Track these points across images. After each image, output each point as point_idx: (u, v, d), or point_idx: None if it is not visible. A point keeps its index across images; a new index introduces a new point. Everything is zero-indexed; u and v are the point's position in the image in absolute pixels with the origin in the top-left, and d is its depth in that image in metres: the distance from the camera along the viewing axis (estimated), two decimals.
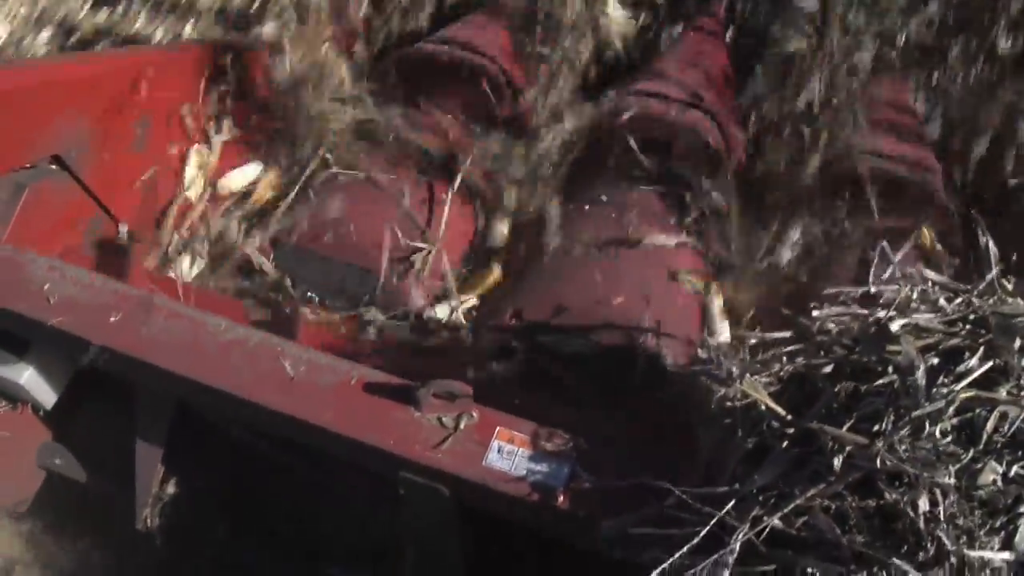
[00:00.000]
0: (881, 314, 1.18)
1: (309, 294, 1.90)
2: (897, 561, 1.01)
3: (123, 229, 2.03)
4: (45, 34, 2.92)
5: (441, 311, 1.89)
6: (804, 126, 2.37)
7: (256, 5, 2.67)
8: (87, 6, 3.00)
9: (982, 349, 1.14)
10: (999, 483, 1.04)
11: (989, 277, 1.23)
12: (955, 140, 2.57)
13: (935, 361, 1.13)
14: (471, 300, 1.99)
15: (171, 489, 1.80)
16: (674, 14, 2.91)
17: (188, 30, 2.80)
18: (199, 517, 1.84)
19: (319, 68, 2.41)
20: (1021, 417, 1.07)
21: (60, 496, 1.95)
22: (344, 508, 1.80)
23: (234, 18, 2.74)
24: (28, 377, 1.70)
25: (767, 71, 2.55)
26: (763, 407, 1.15)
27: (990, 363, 1.12)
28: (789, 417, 1.14)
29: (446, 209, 2.17)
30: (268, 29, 2.40)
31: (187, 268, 2.05)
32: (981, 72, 2.55)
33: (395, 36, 2.81)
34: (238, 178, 2.29)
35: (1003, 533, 1.02)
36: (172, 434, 1.72)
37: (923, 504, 1.02)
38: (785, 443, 1.12)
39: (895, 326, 1.15)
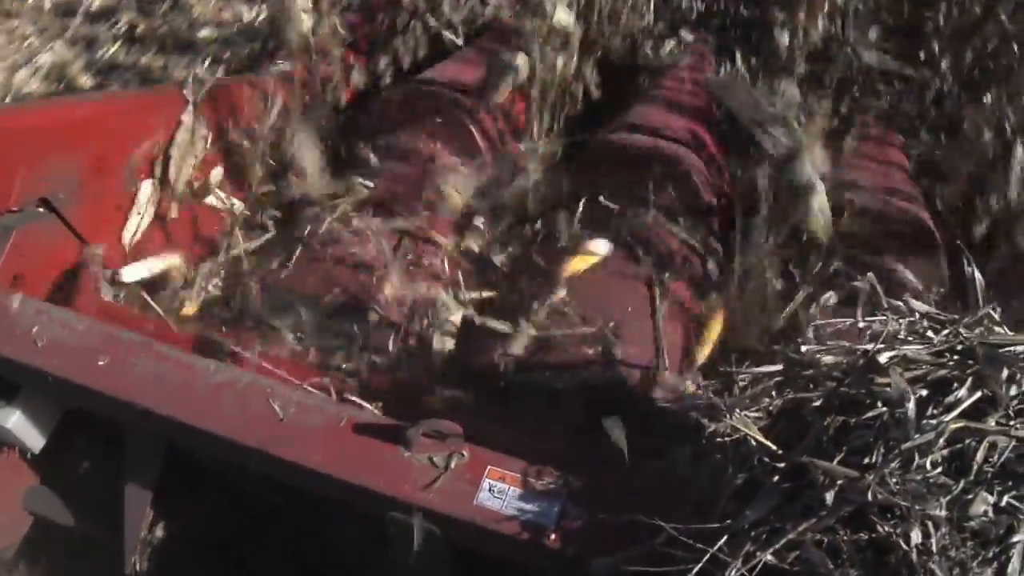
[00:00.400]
0: (869, 346, 1.19)
1: (299, 336, 1.89)
2: None
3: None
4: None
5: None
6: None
7: None
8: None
9: (970, 379, 1.14)
10: (990, 513, 1.04)
11: (980, 313, 1.24)
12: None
13: (924, 392, 1.13)
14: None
15: (160, 533, 1.78)
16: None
17: None
18: (189, 561, 1.82)
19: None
20: (1010, 447, 1.07)
21: (48, 541, 1.94)
22: (336, 549, 1.79)
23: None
24: (15, 421, 1.69)
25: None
26: (753, 442, 1.15)
27: (978, 393, 1.12)
28: (779, 451, 1.14)
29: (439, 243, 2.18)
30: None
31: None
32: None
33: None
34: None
35: (995, 564, 1.02)
36: (162, 477, 1.70)
37: (915, 536, 1.01)
38: (776, 478, 1.12)
39: (883, 358, 1.16)
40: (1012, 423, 1.09)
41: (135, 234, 2.10)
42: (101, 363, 1.53)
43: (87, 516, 1.87)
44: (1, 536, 1.92)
